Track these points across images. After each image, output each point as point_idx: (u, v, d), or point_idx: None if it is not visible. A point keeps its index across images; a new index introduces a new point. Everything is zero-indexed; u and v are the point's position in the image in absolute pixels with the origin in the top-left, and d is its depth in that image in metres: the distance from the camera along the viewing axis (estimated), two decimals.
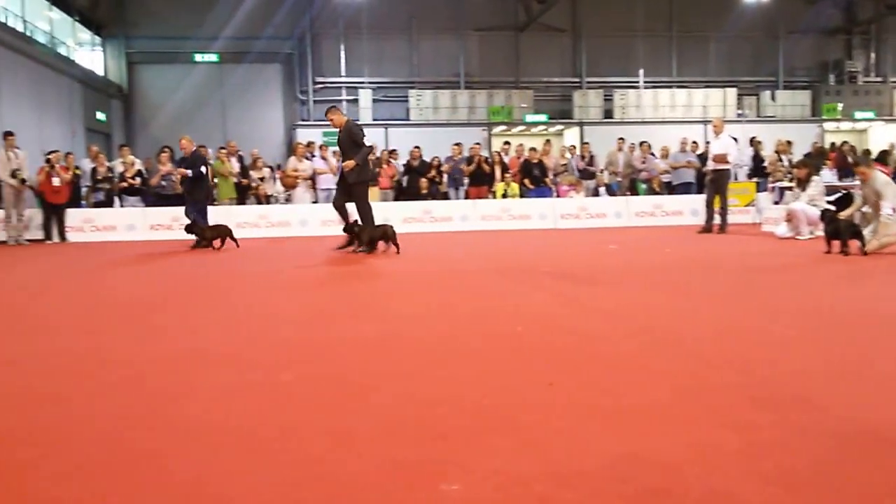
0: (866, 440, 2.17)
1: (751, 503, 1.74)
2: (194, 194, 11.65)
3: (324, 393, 2.83)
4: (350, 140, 9.54)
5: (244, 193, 15.96)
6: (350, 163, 9.44)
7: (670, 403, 2.57)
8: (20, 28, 22.98)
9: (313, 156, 16.65)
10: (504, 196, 16.50)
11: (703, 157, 15.83)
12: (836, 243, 8.12)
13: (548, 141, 19.16)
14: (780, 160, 16.32)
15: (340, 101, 30.84)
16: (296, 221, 14.86)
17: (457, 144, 17.27)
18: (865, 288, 6.03)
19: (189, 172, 11.42)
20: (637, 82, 30.43)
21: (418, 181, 16.39)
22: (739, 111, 30.26)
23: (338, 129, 9.84)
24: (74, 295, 6.45)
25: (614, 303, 5.03)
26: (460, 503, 1.77)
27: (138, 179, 15.33)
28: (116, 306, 5.53)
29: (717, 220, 12.52)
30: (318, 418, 2.49)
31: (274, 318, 4.81)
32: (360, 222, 9.54)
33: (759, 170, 16.98)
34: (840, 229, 8.16)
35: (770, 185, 15.68)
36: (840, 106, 30.78)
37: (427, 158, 17.08)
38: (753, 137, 18.09)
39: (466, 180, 16.79)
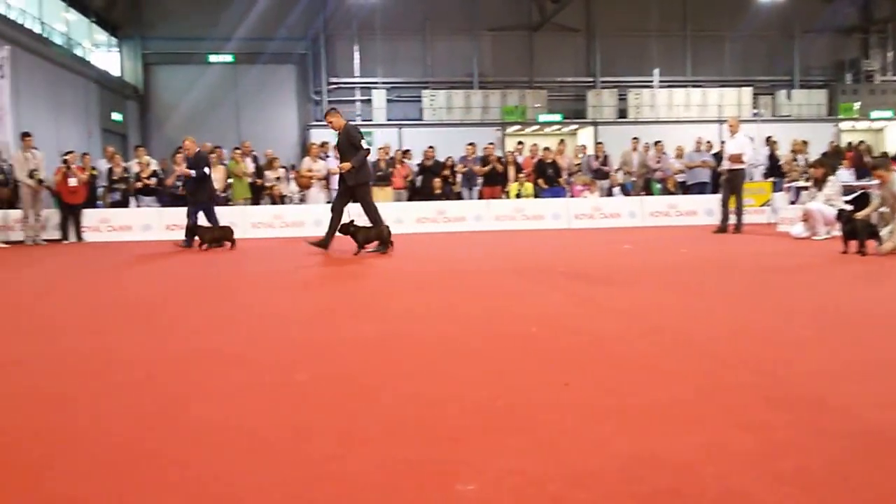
0: (882, 440, 2.16)
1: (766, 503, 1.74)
2: (197, 195, 11.72)
3: (335, 393, 2.83)
4: (348, 142, 9.57)
5: (259, 193, 16.02)
6: (346, 165, 9.48)
7: (685, 403, 2.56)
8: (37, 29, 23.19)
9: (327, 156, 16.69)
10: (518, 196, 16.48)
11: (718, 157, 15.75)
12: (853, 243, 8.06)
13: (562, 141, 19.12)
14: (796, 160, 16.23)
15: (354, 101, 30.96)
16: (310, 221, 14.86)
17: (470, 144, 17.26)
18: (882, 289, 5.98)
19: (192, 173, 11.48)
20: (651, 82, 30.32)
21: (432, 181, 16.39)
22: (755, 110, 30.10)
23: (336, 132, 9.85)
24: (85, 295, 6.49)
25: (629, 303, 5.01)
26: (475, 503, 1.78)
27: (154, 180, 15.40)
28: (126, 306, 5.56)
29: (732, 220, 12.45)
30: (329, 418, 2.50)
31: (287, 317, 4.83)
32: (354, 223, 9.54)
33: (774, 169, 16.87)
34: (857, 229, 8.09)
35: (786, 185, 15.58)
36: (857, 105, 30.57)
37: (441, 158, 17.09)
38: (769, 137, 17.97)
39: (480, 180, 16.78)
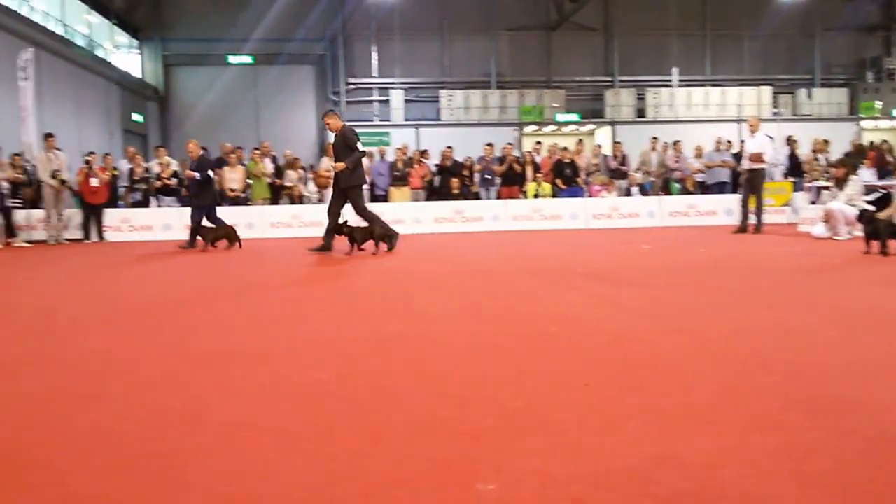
0: None
1: None
2: (201, 197, 11.81)
3: (356, 391, 2.85)
4: (344, 144, 9.60)
5: (278, 193, 16.11)
6: (340, 165, 9.52)
7: (705, 404, 2.55)
8: (60, 32, 23.43)
9: None
10: (535, 196, 16.46)
11: (737, 156, 15.65)
12: (875, 244, 7.98)
13: (580, 140, 19.08)
14: (817, 159, 16.08)
15: (372, 101, 31.05)
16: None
17: (489, 144, 17.27)
18: None
19: (197, 175, 11.58)
20: (670, 81, 30.17)
21: (450, 181, 16.41)
22: (775, 109, 29.87)
23: (333, 133, 9.87)
24: (106, 294, 6.56)
25: (648, 303, 5.00)
26: (497, 503, 1.78)
27: (174, 180, 15.53)
28: (146, 305, 5.61)
29: (752, 219, 12.37)
30: (351, 416, 2.51)
31: (306, 317, 4.87)
32: (348, 223, 9.56)
33: (795, 169, 16.74)
34: (879, 229, 8.02)
35: (807, 185, 15.46)
36: (879, 104, 30.24)
37: (459, 158, 17.11)
38: (790, 136, 17.83)
39: (498, 180, 16.78)
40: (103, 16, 27.64)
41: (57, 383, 3.12)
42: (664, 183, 17.17)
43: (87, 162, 14.78)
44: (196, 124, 29.69)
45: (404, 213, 15.81)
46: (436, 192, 16.73)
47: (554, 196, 16.56)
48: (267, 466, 2.05)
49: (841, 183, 10.64)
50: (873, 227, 8.10)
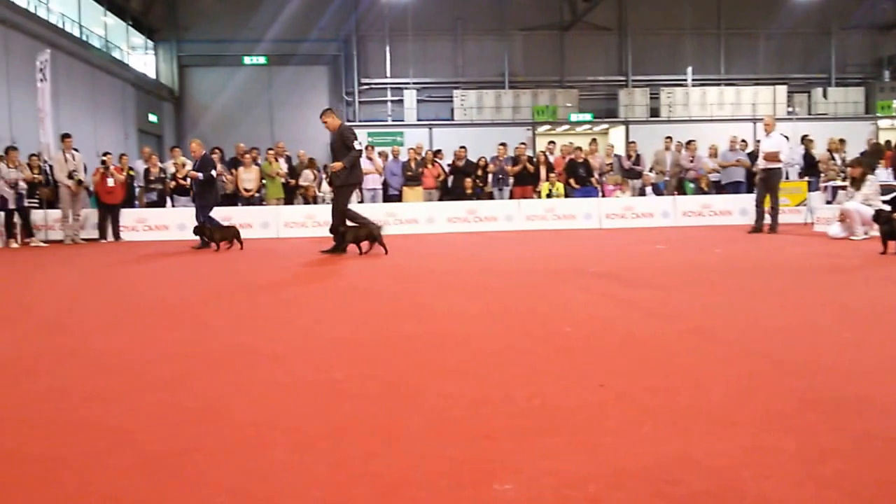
0: None
1: None
2: (204, 197, 11.87)
3: (371, 391, 2.86)
4: (341, 143, 9.62)
5: (292, 194, 16.17)
6: (337, 164, 9.54)
7: (723, 405, 2.55)
8: (77, 33, 23.61)
9: None
10: (549, 196, 16.44)
11: (752, 156, 15.57)
12: (892, 244, 7.93)
13: (593, 140, 19.04)
14: (833, 158, 15.97)
15: (385, 101, 31.10)
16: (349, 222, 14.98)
17: (502, 144, 17.26)
18: None
19: (200, 175, 11.64)
20: (684, 80, 30.05)
21: (463, 181, 16.42)
22: (790, 109, 29.69)
23: (331, 132, 9.87)
24: (121, 293, 6.60)
25: (663, 303, 4.98)
26: (514, 503, 1.79)
27: (189, 180, 15.60)
28: (162, 304, 5.66)
29: (767, 219, 12.30)
30: (367, 416, 2.52)
31: (315, 316, 4.89)
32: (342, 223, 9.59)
33: (810, 168, 16.64)
34: (895, 229, 7.97)
35: (822, 185, 15.36)
36: (895, 103, 29.98)
37: (472, 158, 17.11)
38: (805, 136, 17.72)
39: (511, 180, 16.77)
40: (119, 17, 27.84)
41: (72, 382, 3.15)
42: (678, 183, 17.10)
43: (104, 162, 14.90)
44: (211, 125, 29.85)
45: (417, 213, 15.84)
46: (449, 191, 16.75)
47: (567, 196, 16.53)
48: (284, 466, 2.06)
49: (857, 183, 10.57)
50: (890, 227, 8.05)
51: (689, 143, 17.48)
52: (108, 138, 24.00)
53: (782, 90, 30.44)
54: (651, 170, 17.58)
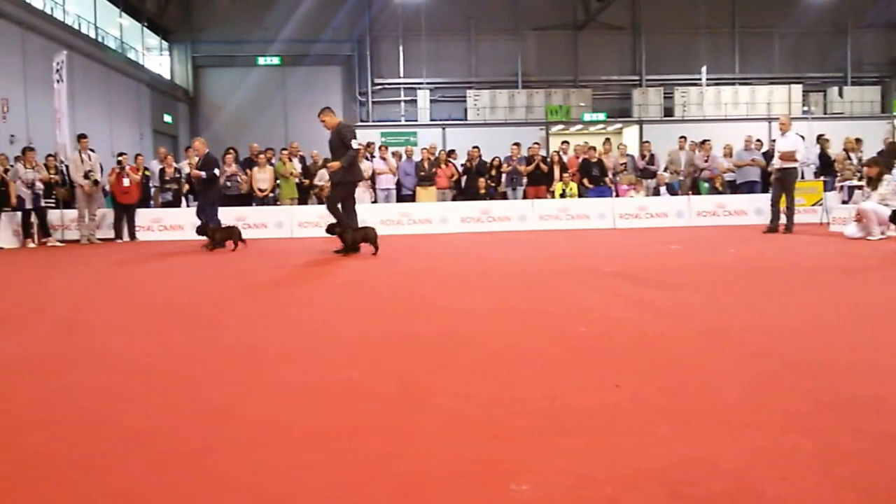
0: None
1: None
2: (208, 195, 11.92)
3: (387, 391, 2.86)
4: (339, 141, 9.62)
5: (306, 193, 16.22)
6: (335, 164, 9.55)
7: (739, 406, 2.53)
8: (92, 34, 23.78)
9: (372, 156, 16.84)
10: (562, 196, 16.41)
11: (767, 155, 15.48)
12: None
13: (607, 140, 18.98)
14: (849, 158, 15.86)
15: (399, 101, 31.14)
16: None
17: (515, 144, 17.25)
18: None
19: (203, 174, 11.69)
20: (698, 79, 29.91)
21: (476, 181, 16.42)
22: (805, 108, 29.49)
23: (330, 131, 9.87)
24: (134, 292, 6.64)
25: (678, 303, 4.97)
26: None
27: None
28: (174, 303, 5.70)
29: (782, 219, 12.23)
30: (382, 416, 2.52)
31: (326, 315, 4.90)
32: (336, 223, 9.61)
33: (826, 168, 16.52)
34: None
35: (838, 184, 15.25)
36: None
37: (486, 158, 17.11)
38: (821, 135, 17.60)
39: (525, 180, 16.75)
40: (134, 19, 28.03)
41: (86, 382, 3.16)
42: (693, 182, 17.03)
43: (119, 162, 15.00)
44: (225, 125, 30.00)
45: (431, 213, 15.86)
46: (462, 191, 16.75)
47: (581, 196, 16.49)
48: (299, 466, 2.06)
49: (874, 182, 10.50)
50: None
51: (703, 142, 17.39)
52: (124, 139, 24.16)
53: (797, 89, 30.25)
54: (665, 169, 17.51)
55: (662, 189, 17.03)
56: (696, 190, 16.91)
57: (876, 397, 2.61)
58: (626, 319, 4.41)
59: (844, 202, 13.79)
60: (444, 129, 28.24)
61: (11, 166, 13.90)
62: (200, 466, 2.08)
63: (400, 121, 30.26)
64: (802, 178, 15.05)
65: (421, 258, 9.55)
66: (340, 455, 2.14)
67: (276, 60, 30.67)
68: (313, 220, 15.33)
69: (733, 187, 16.66)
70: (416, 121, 29.62)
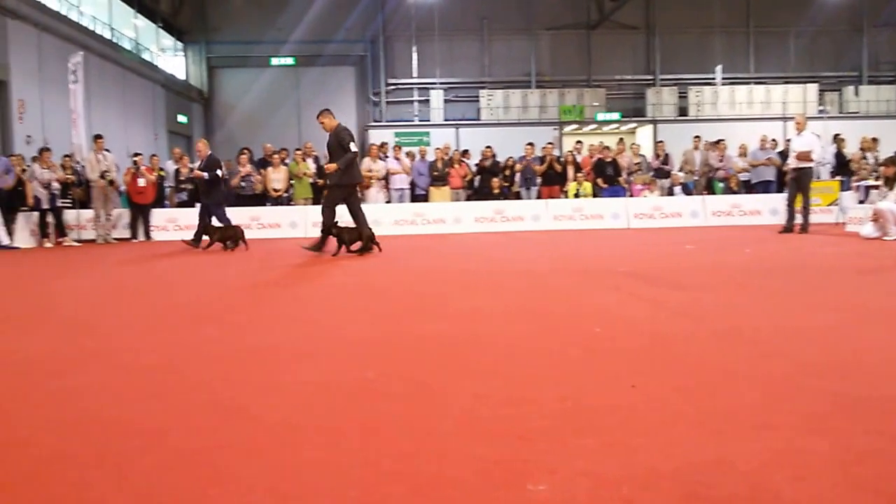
0: None
1: None
2: (211, 196, 11.98)
3: (404, 391, 2.87)
4: (337, 144, 9.63)
5: (320, 193, 16.25)
6: (332, 166, 9.57)
7: (755, 407, 2.53)
8: (108, 35, 23.92)
9: (386, 156, 16.88)
10: (576, 196, 16.39)
11: (783, 155, 15.40)
12: None
13: (621, 140, 18.94)
14: (865, 157, 15.75)
15: (412, 101, 31.17)
16: (369, 221, 15.01)
17: (529, 144, 17.24)
18: None
19: (206, 175, 11.75)
20: (712, 79, 29.75)
21: (490, 181, 16.43)
22: (821, 107, 29.26)
23: (328, 133, 9.88)
24: (149, 292, 6.69)
25: (693, 304, 4.95)
26: None
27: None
28: (188, 303, 5.73)
29: (798, 219, 12.16)
30: (400, 416, 2.53)
31: (341, 315, 4.91)
32: (338, 223, 9.62)
33: (842, 168, 16.42)
34: None
35: (854, 184, 15.15)
36: None
37: (499, 158, 17.11)
38: (837, 134, 17.49)
39: (538, 180, 16.74)
40: (149, 19, 28.18)
41: (102, 382, 3.18)
42: (708, 182, 16.96)
43: (135, 163, 15.10)
44: (239, 125, 30.14)
45: (445, 212, 15.87)
46: (476, 191, 16.75)
47: (595, 196, 16.47)
48: (316, 465, 2.08)
49: (890, 182, 10.43)
50: None
51: (718, 142, 17.32)
52: (139, 139, 24.31)
53: (813, 88, 30.04)
54: (680, 169, 17.45)
55: (677, 189, 16.97)
56: (710, 190, 16.85)
57: (891, 398, 2.60)
58: (641, 320, 4.40)
59: (861, 202, 13.69)
60: (457, 129, 28.24)
61: (28, 167, 14.02)
62: (216, 465, 2.10)
63: (413, 121, 30.29)
64: (818, 177, 14.96)
65: (435, 258, 9.57)
66: (356, 455, 2.15)
67: (289, 61, 30.77)
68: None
69: (748, 187, 16.58)
70: (429, 121, 29.64)
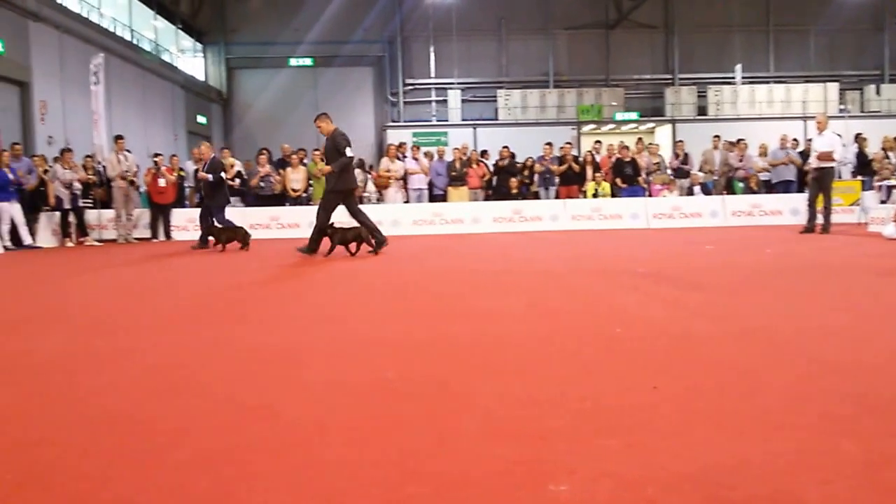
0: None
1: None
2: (215, 198, 12.05)
3: (425, 391, 2.87)
4: (334, 148, 9.64)
5: None
6: (327, 168, 9.58)
7: (778, 408, 2.51)
8: (128, 37, 24.13)
9: (404, 156, 16.91)
10: (595, 195, 16.33)
11: (804, 154, 15.27)
12: None
13: (640, 139, 18.85)
14: (888, 157, 15.58)
15: (430, 101, 31.19)
16: (388, 221, 15.08)
17: (548, 144, 17.21)
18: None
19: (209, 177, 11.82)
20: (732, 78, 29.55)
21: (508, 181, 16.41)
22: (841, 106, 29.00)
23: (325, 136, 9.88)
24: (168, 291, 6.73)
25: (713, 304, 4.92)
26: None
27: (238, 181, 15.86)
28: (207, 301, 5.76)
29: (819, 219, 12.06)
30: (421, 416, 2.54)
31: (359, 315, 4.92)
32: (333, 225, 9.63)
33: (864, 167, 16.25)
34: None
35: (876, 184, 14.99)
36: None
37: (518, 158, 17.10)
38: (858, 134, 17.31)
39: (557, 180, 16.70)
40: (169, 21, 28.40)
41: (126, 380, 3.20)
42: (727, 182, 16.84)
43: (155, 163, 15.22)
44: (257, 125, 30.30)
45: (463, 212, 15.87)
46: (494, 191, 16.75)
47: (614, 195, 16.41)
48: (340, 464, 2.08)
49: None
50: None
51: (738, 141, 17.20)
52: (158, 139, 24.51)
53: (834, 87, 29.77)
54: (700, 169, 17.35)
55: (696, 189, 16.87)
56: (730, 189, 16.74)
57: None
58: (662, 320, 4.38)
59: (883, 202, 13.56)
60: (475, 129, 28.24)
61: (50, 167, 14.18)
62: (239, 464, 2.11)
63: (431, 121, 30.31)
64: (840, 177, 14.83)
65: (453, 258, 9.57)
66: (379, 454, 2.15)
67: (307, 61, 30.90)
68: (346, 219, 15.42)
69: (768, 187, 16.45)
70: (447, 121, 29.65)
